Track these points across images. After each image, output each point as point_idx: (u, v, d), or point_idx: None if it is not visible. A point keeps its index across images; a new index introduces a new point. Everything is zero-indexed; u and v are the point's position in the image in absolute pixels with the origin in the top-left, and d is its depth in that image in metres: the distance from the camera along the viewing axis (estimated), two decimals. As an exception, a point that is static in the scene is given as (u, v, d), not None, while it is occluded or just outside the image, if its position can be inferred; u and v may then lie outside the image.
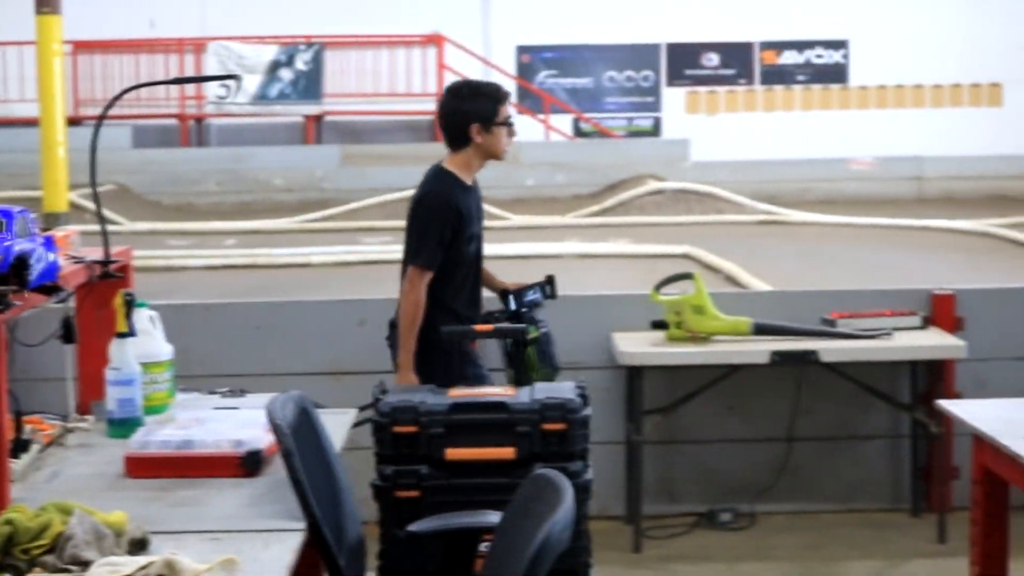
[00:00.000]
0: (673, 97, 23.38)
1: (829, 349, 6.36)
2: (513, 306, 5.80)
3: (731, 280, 12.55)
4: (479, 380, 5.58)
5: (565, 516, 2.80)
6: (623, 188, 19.80)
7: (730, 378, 6.55)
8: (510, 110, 5.76)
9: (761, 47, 23.25)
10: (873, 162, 21.45)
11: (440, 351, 5.53)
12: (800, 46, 23.15)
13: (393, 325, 5.80)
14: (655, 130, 23.29)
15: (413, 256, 5.59)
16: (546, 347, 5.78)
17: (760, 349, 6.34)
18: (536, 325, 5.80)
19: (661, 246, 14.72)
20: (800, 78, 23.23)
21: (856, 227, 17.48)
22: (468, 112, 5.66)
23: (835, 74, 23.18)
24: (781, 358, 6.31)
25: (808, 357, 6.34)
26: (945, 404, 4.55)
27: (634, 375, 6.48)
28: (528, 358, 5.72)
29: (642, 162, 20.60)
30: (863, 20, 22.78)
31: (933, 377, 6.60)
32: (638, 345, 6.45)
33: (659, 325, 6.54)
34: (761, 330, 6.48)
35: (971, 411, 4.40)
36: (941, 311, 6.73)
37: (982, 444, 4.19)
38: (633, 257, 14.41)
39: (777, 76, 23.30)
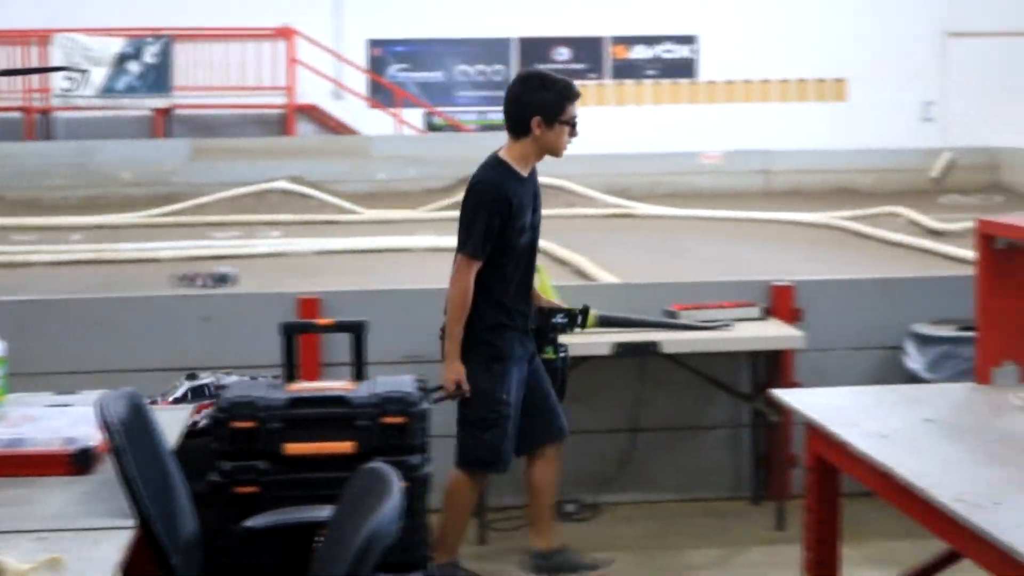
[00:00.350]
0: (525, 91, 23.44)
1: (670, 340, 6.42)
2: (537, 323, 5.77)
3: (579, 273, 12.63)
4: (501, 378, 5.53)
5: (393, 509, 2.80)
6: (475, 182, 19.79)
7: (574, 370, 6.56)
8: (576, 111, 5.61)
9: (612, 42, 23.41)
10: (722, 156, 21.72)
11: (488, 342, 5.52)
12: (650, 41, 23.36)
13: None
14: (507, 124, 23.32)
15: (461, 244, 5.52)
16: (555, 373, 5.81)
17: (603, 341, 6.38)
18: (555, 349, 5.84)
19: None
20: (650, 72, 23.44)
21: (705, 220, 17.70)
22: (533, 104, 5.53)
23: (684, 69, 23.42)
24: (623, 349, 6.36)
25: (650, 348, 6.40)
26: (779, 393, 4.61)
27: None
28: None
29: (494, 156, 20.61)
30: (712, 16, 23.06)
31: (773, 367, 6.68)
32: (482, 338, 6.44)
33: (504, 318, 6.54)
34: (605, 322, 6.52)
35: (804, 400, 4.47)
36: (780, 302, 6.84)
37: (814, 432, 4.27)
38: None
39: (627, 70, 23.49)
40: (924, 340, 6.66)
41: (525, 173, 5.64)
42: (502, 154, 5.63)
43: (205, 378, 5.28)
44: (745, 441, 6.99)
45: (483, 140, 21.82)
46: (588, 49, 23.37)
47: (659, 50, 23.40)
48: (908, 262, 13.35)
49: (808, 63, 23.20)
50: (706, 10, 23.06)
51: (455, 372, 5.48)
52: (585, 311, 5.91)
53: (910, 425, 4.10)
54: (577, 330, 5.89)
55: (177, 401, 5.09)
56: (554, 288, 6.52)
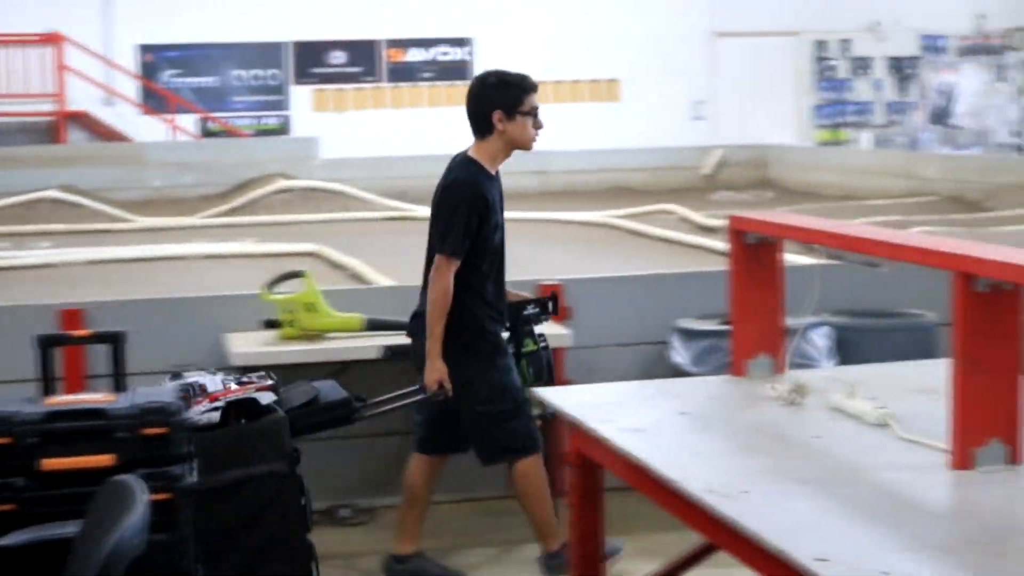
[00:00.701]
0: (301, 95, 23.34)
1: (440, 342, 6.43)
2: (511, 319, 5.83)
3: (355, 277, 12.59)
4: (508, 371, 5.67)
5: (135, 523, 2.76)
6: (252, 187, 19.64)
7: (346, 374, 6.55)
8: (536, 101, 5.67)
9: (387, 45, 23.41)
10: (499, 157, 21.84)
11: (484, 339, 5.62)
12: (425, 44, 23.43)
13: (416, 315, 5.76)
14: (283, 128, 23.19)
15: (440, 244, 5.56)
16: (541, 363, 5.88)
17: (372, 344, 6.38)
18: (534, 339, 5.88)
19: (288, 245, 14.66)
20: (426, 75, 23.51)
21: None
22: (492, 99, 5.60)
23: (460, 71, 23.53)
24: (392, 352, 6.36)
25: (419, 351, 6.40)
26: (540, 392, 4.66)
27: (247, 376, 6.42)
28: (522, 371, 5.80)
29: (271, 161, 20.49)
30: (486, 18, 23.22)
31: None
32: (250, 345, 6.41)
33: (272, 324, 6.51)
34: (374, 326, 6.53)
35: (565, 397, 4.52)
36: (549, 301, 6.91)
37: (575, 429, 4.32)
38: (260, 257, 14.29)
39: (404, 73, 23.52)
40: (689, 335, 6.80)
41: (493, 172, 5.72)
42: (471, 153, 5.70)
43: (189, 377, 5.16)
44: (519, 439, 7.03)
45: (259, 145, 21.77)
46: (363, 52, 23.34)
47: (435, 53, 23.49)
48: (680, 258, 13.60)
49: (582, 64, 23.51)
50: (481, 13, 23.21)
51: (437, 371, 5.56)
52: (554, 297, 6.08)
53: (666, 418, 4.18)
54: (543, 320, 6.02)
55: None
56: (322, 293, 6.51)
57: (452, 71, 23.54)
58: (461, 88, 23.17)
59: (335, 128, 22.36)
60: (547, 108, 21.67)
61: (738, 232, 4.60)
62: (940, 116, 23.54)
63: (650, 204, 18.60)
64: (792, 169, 22.30)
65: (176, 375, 5.13)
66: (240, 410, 4.87)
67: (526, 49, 23.04)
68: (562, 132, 22.79)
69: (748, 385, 4.53)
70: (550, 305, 6.02)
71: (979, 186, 18.24)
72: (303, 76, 23.22)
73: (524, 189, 21.47)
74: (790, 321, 4.80)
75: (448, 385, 5.59)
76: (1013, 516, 3.33)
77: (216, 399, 4.87)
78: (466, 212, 5.54)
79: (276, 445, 4.86)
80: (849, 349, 6.88)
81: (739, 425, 4.15)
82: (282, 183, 19.60)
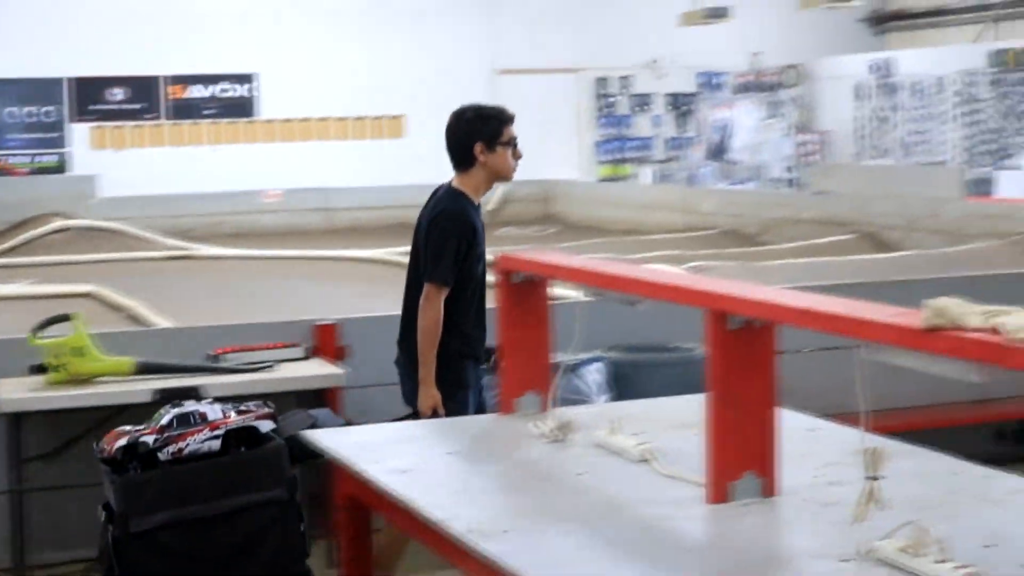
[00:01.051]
0: (79, 132, 22.87)
1: (213, 384, 6.35)
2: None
3: (133, 319, 12.38)
4: (463, 405, 5.73)
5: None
6: (28, 227, 19.22)
7: (117, 419, 6.44)
8: (514, 132, 5.85)
9: (168, 81, 23.10)
10: (283, 194, 21.78)
11: (449, 368, 5.71)
12: (207, 80, 23.17)
13: (401, 346, 5.85)
14: (61, 167, 22.69)
15: (431, 273, 5.64)
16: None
17: (143, 388, 6.27)
18: None
19: (65, 286, 14.34)
20: (208, 112, 23.25)
21: (267, 259, 17.66)
22: (473, 132, 5.78)
23: (243, 108, 23.33)
24: (164, 396, 6.25)
25: (192, 393, 6.29)
26: (307, 434, 4.64)
27: (14, 422, 6.26)
28: None
29: (48, 200, 20.09)
30: (269, 55, 23.06)
31: (319, 406, 6.69)
32: (17, 391, 6.24)
33: (39, 369, 6.36)
34: (145, 369, 6.42)
35: (333, 439, 4.51)
36: (324, 341, 6.89)
37: (344, 470, 4.31)
38: (35, 298, 13.96)
39: (185, 110, 23.23)
40: (464, 372, 6.81)
41: (477, 203, 5.88)
42: (456, 185, 5.82)
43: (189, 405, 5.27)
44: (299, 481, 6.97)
45: (36, 184, 21.31)
46: (144, 89, 22.99)
47: (216, 89, 23.24)
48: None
49: (366, 101, 23.49)
50: (264, 49, 23.04)
51: (431, 398, 5.67)
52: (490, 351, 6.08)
53: (433, 459, 4.19)
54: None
55: (162, 429, 5.04)
56: (95, 336, 6.39)
57: (235, 108, 23.31)
58: (243, 125, 23.18)
59: (114, 166, 22.01)
60: (331, 145, 21.67)
61: (505, 271, 4.65)
62: (717, 151, 24.11)
63: (435, 240, 18.61)
64: (575, 204, 22.60)
65: (176, 403, 5.24)
66: (240, 438, 5.00)
67: (310, 86, 22.98)
68: (347, 169, 22.84)
69: (516, 423, 4.56)
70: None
71: (754, 220, 18.70)
72: (82, 113, 22.77)
73: (309, 226, 21.44)
74: (562, 357, 4.86)
75: (443, 411, 5.68)
76: (768, 547, 3.42)
77: (217, 427, 5.01)
78: (456, 242, 5.70)
79: (276, 472, 5.00)
80: (624, 384, 6.97)
81: (505, 464, 4.18)
82: (60, 222, 19.21)
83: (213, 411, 5.10)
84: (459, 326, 5.80)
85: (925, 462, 4.02)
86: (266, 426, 5.10)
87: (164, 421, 5.17)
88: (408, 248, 6.10)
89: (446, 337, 5.75)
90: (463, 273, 5.77)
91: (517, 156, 5.92)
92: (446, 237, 5.71)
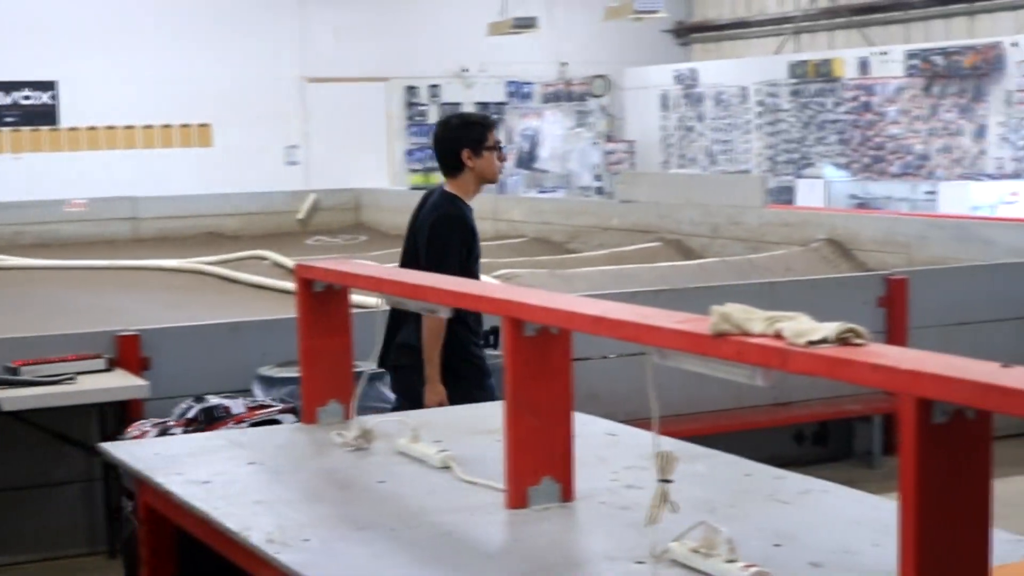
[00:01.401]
0: None
1: (12, 398, 6.26)
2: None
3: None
4: (492, 391, 5.88)
5: None
6: None
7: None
8: (499, 136, 6.22)
9: (-34, 88, 22.53)
10: (88, 203, 21.41)
11: (470, 362, 6.00)
12: (7, 87, 22.63)
13: (399, 348, 5.96)
14: None
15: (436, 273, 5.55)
16: None
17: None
18: None
19: None
20: (9, 119, 22.70)
21: (71, 270, 17.33)
22: (460, 139, 6.09)
23: (45, 116, 22.82)
24: (-40, 411, 6.14)
25: (-12, 407, 6.21)
26: (105, 446, 4.58)
27: None
28: None
29: None
30: (72, 62, 22.57)
31: (122, 418, 6.63)
32: None
33: None
34: (-58, 384, 6.28)
35: (131, 451, 4.46)
36: (126, 352, 6.81)
37: (143, 483, 4.26)
38: None
39: (-14, 117, 22.68)
40: (269, 382, 6.78)
41: (470, 206, 6.18)
42: (449, 189, 6.08)
43: (212, 400, 5.54)
44: (99, 494, 6.89)
45: None
46: (-60, 96, 22.38)
47: (18, 96, 22.70)
48: (271, 304, 13.57)
49: (173, 109, 23.15)
50: (66, 57, 22.55)
51: (438, 394, 5.89)
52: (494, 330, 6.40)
53: (233, 469, 4.17)
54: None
55: (189, 422, 5.27)
56: None
57: (37, 115, 22.78)
58: (46, 133, 22.68)
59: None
60: (137, 154, 21.33)
61: (305, 280, 4.65)
62: (526, 160, 24.27)
63: (244, 250, 18.50)
64: (385, 212, 22.58)
65: (199, 398, 5.45)
66: None
67: (116, 93, 22.57)
68: (154, 178, 22.51)
69: (318, 432, 4.57)
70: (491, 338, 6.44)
71: (562, 228, 18.88)
72: None
73: (115, 235, 21.11)
74: (364, 366, 4.87)
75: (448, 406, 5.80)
76: (565, 550, 3.47)
77: (241, 420, 5.26)
78: (458, 244, 5.99)
79: None
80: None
81: (306, 473, 4.18)
82: None
83: (236, 405, 5.39)
84: (465, 322, 6.02)
85: (720, 464, 4.12)
86: (288, 420, 5.33)
87: (191, 415, 5.42)
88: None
89: (458, 334, 5.98)
90: (463, 273, 5.84)
91: (502, 159, 6.24)
92: (449, 239, 6.00)
